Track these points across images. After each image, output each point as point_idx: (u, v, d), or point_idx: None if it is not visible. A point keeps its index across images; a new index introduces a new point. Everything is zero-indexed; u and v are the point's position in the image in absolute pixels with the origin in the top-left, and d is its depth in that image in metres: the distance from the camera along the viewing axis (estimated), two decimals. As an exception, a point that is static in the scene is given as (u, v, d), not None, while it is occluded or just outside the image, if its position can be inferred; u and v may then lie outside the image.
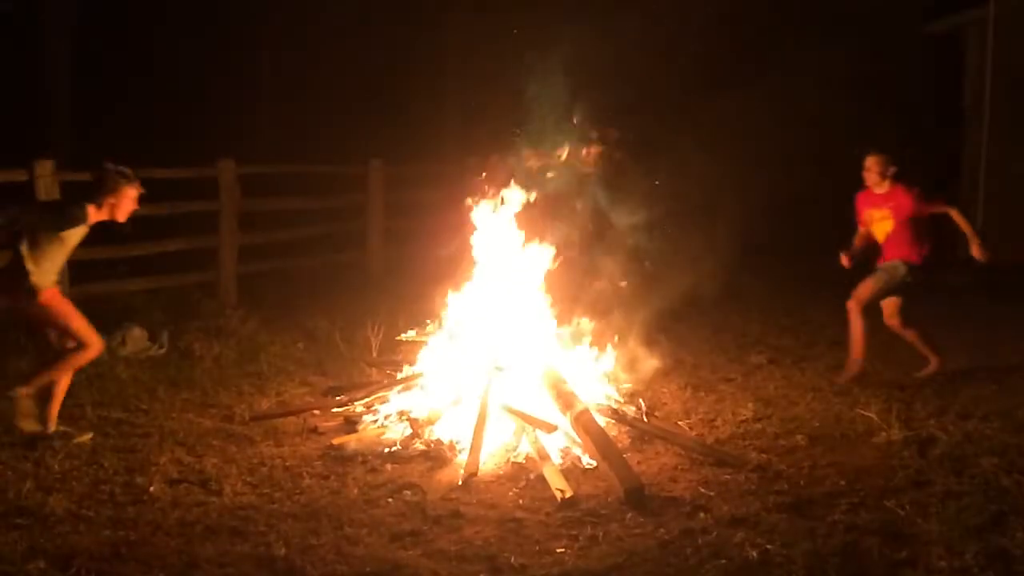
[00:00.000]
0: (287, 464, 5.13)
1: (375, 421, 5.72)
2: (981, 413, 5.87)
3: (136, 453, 5.22)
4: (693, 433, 5.73)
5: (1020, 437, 5.39)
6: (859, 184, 6.79)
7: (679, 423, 5.93)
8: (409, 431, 5.45)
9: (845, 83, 13.63)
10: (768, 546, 4.02)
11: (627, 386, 6.31)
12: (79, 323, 5.36)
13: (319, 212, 11.05)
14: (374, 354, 7.25)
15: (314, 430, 5.68)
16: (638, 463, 5.16)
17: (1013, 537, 4.07)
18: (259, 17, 15.78)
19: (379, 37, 16.30)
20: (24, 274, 5.15)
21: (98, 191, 5.31)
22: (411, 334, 6.69)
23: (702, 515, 4.42)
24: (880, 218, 6.60)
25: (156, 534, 4.19)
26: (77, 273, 7.96)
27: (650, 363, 6.84)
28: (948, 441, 5.35)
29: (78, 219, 5.26)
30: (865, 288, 6.56)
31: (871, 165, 6.54)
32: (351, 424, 5.76)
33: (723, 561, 3.92)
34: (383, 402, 5.95)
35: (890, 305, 6.66)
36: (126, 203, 5.37)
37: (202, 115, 15.15)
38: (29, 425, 5.33)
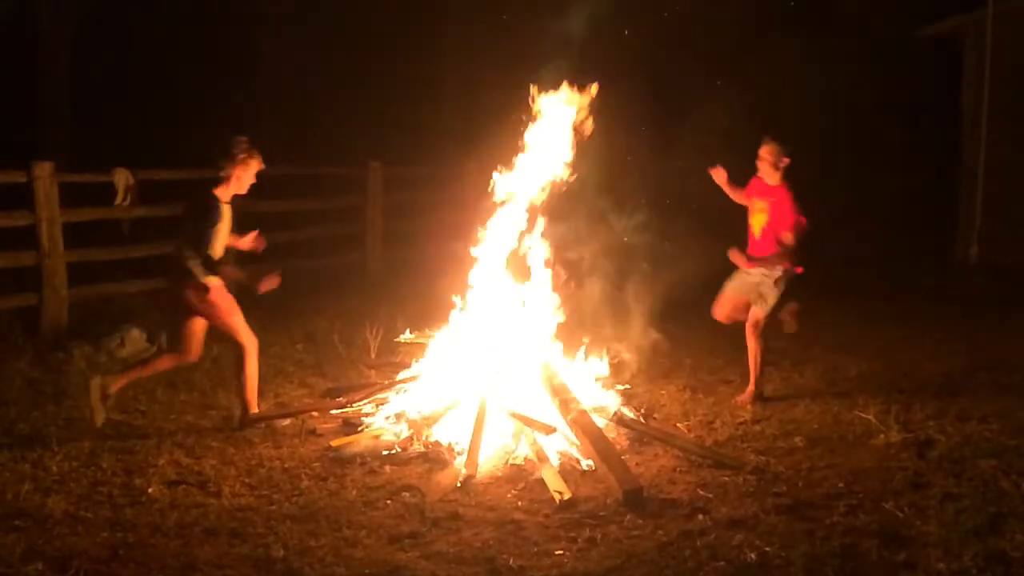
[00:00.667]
0: (286, 466, 5.13)
1: (374, 423, 5.71)
2: (980, 415, 5.88)
3: (134, 455, 5.22)
4: (692, 435, 5.73)
5: (1019, 439, 5.39)
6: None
7: (678, 425, 5.94)
8: (408, 433, 5.45)
9: (843, 87, 13.66)
10: (767, 548, 4.02)
11: (626, 388, 6.31)
12: (237, 321, 5.75)
13: (318, 213, 11.04)
14: (373, 356, 7.25)
15: (313, 432, 5.68)
16: (637, 465, 5.16)
17: (1012, 539, 4.07)
18: (258, 19, 15.77)
19: (379, 38, 16.30)
20: (192, 275, 5.54)
21: (225, 168, 5.62)
22: (409, 336, 6.69)
23: (701, 517, 4.42)
24: (760, 209, 6.34)
25: (154, 536, 4.19)
26: (76, 275, 7.98)
27: (649, 365, 6.86)
28: (947, 443, 5.35)
29: (218, 210, 5.56)
30: (757, 313, 6.34)
31: (765, 154, 6.29)
32: (350, 426, 5.76)
33: (722, 563, 3.93)
34: (382, 404, 5.95)
35: (754, 315, 6.44)
36: (249, 175, 5.72)
37: (201, 116, 15.14)
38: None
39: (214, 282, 5.60)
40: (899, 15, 13.76)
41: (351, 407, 6.01)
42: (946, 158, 13.28)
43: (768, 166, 6.33)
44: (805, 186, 6.68)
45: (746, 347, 6.49)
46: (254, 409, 5.83)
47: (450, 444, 5.31)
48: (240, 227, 9.39)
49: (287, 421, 5.84)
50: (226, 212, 5.63)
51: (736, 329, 8.62)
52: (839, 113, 13.49)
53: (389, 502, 4.65)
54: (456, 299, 6.29)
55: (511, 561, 3.99)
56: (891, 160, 13.93)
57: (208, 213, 5.54)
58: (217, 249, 5.60)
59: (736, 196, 6.53)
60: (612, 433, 5.50)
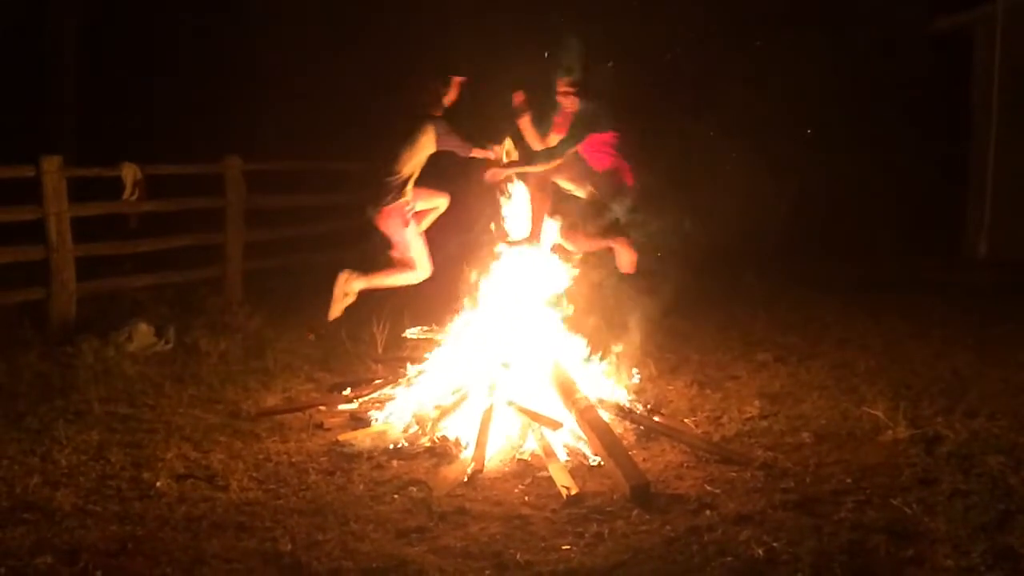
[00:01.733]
0: (293, 460, 5.14)
1: (381, 417, 5.72)
2: (988, 411, 5.85)
3: (142, 448, 5.24)
4: (699, 431, 5.73)
5: (1028, 436, 5.37)
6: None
7: (685, 420, 5.93)
8: (415, 428, 5.46)
9: (852, 80, 13.60)
10: (774, 544, 4.02)
11: (633, 383, 6.31)
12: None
13: (325, 208, 11.05)
14: (380, 351, 7.26)
15: (320, 426, 5.69)
16: (644, 460, 5.16)
17: (1020, 536, 4.05)
18: (265, 14, 15.79)
19: (384, 34, 16.30)
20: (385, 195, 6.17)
21: (435, 100, 6.14)
22: (417, 331, 6.69)
23: (708, 513, 4.41)
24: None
25: (163, 529, 4.20)
26: (83, 269, 8.00)
27: (656, 360, 6.84)
28: (955, 439, 5.33)
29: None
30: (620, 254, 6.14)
31: (565, 87, 5.98)
32: (357, 420, 5.77)
33: (729, 559, 3.92)
34: (389, 399, 5.96)
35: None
36: (455, 91, 6.18)
37: (208, 112, 15.16)
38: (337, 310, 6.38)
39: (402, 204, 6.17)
40: (909, 9, 13.70)
41: (358, 402, 6.03)
42: (955, 153, 13.23)
43: (568, 100, 6.07)
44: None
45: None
46: (336, 311, 6.28)
47: (457, 439, 5.31)
48: (249, 222, 9.49)
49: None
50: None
51: (744, 325, 8.64)
52: (848, 107, 13.44)
53: (396, 496, 4.66)
54: (463, 293, 6.29)
55: (518, 556, 4.00)
56: (900, 155, 13.87)
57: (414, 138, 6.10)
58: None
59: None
60: (619, 428, 5.50)
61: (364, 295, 9.18)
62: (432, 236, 6.64)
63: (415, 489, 4.73)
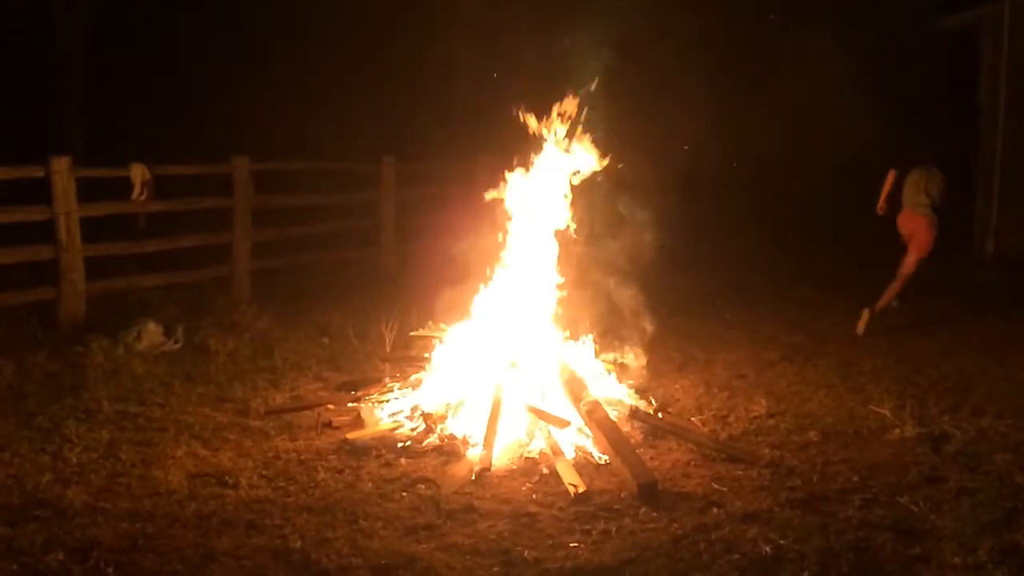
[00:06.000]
0: (302, 458, 5.16)
1: (389, 416, 5.75)
2: (995, 410, 5.86)
3: (153, 447, 5.27)
4: (706, 429, 5.74)
5: (1034, 434, 5.38)
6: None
7: (692, 419, 5.94)
8: (423, 426, 5.48)
9: (858, 80, 13.59)
10: (781, 541, 4.03)
11: (640, 382, 6.32)
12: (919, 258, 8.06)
13: (332, 208, 11.08)
14: (387, 349, 7.27)
15: (328, 424, 5.71)
16: (651, 459, 5.17)
17: (1027, 534, 4.07)
18: (272, 15, 15.83)
19: (391, 34, 16.33)
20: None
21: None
22: (424, 330, 6.71)
23: (715, 510, 4.43)
24: None
25: (173, 526, 4.23)
26: (92, 269, 8.04)
27: (662, 360, 6.84)
28: (962, 438, 5.34)
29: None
30: None
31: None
32: (365, 419, 5.78)
33: (736, 556, 3.94)
34: (397, 397, 5.98)
35: None
36: None
37: (216, 112, 15.21)
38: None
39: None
40: (916, 7, 13.68)
41: (366, 400, 6.05)
42: (963, 153, 13.20)
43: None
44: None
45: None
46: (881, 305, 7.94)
47: (465, 437, 5.33)
48: (257, 222, 9.53)
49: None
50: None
51: (751, 324, 8.65)
52: (856, 106, 13.43)
53: (404, 494, 4.68)
54: (470, 293, 6.31)
55: (526, 553, 4.02)
56: (906, 154, 13.85)
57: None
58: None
59: None
60: (626, 427, 5.51)
61: (367, 295, 9.24)
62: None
63: (423, 487, 4.76)
